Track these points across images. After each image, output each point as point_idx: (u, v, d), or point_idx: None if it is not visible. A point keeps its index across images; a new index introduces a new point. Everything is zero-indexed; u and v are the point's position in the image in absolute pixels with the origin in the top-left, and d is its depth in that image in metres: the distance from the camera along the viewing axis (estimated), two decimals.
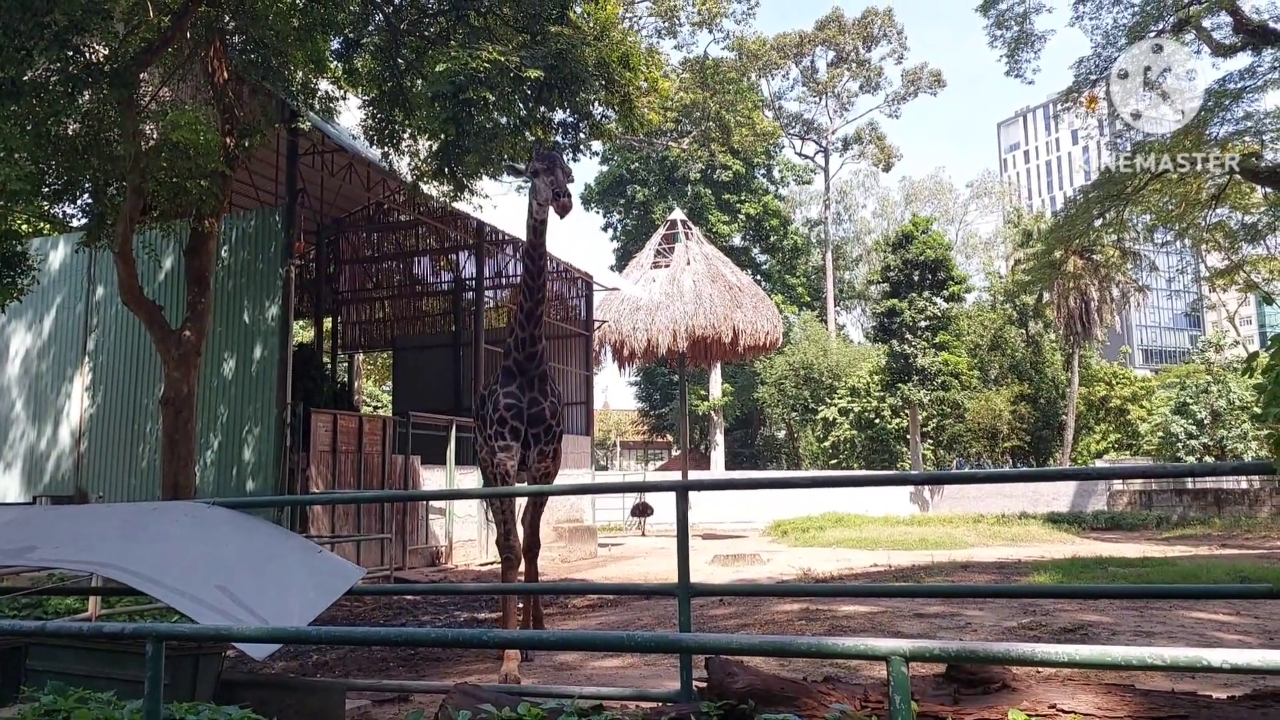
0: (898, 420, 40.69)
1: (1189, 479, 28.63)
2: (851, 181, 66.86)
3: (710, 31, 26.84)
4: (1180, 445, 35.66)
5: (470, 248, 22.29)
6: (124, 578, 4.25)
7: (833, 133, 55.98)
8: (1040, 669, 5.36)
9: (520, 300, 7.44)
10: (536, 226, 7.33)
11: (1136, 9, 23.66)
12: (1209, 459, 34.61)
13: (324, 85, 12.06)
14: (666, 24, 24.86)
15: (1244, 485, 27.24)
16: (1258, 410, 3.85)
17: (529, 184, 7.27)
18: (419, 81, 10.83)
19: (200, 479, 13.75)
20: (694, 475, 31.07)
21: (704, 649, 3.16)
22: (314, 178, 18.27)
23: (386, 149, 12.06)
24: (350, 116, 13.75)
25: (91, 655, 4.58)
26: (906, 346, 36.68)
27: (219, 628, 3.74)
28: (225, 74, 10.98)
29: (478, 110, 8.97)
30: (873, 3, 65.20)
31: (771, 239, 50.23)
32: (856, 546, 20.19)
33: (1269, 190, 21.26)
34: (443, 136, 9.95)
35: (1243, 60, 22.64)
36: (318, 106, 11.98)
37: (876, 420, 41.53)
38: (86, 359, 17.02)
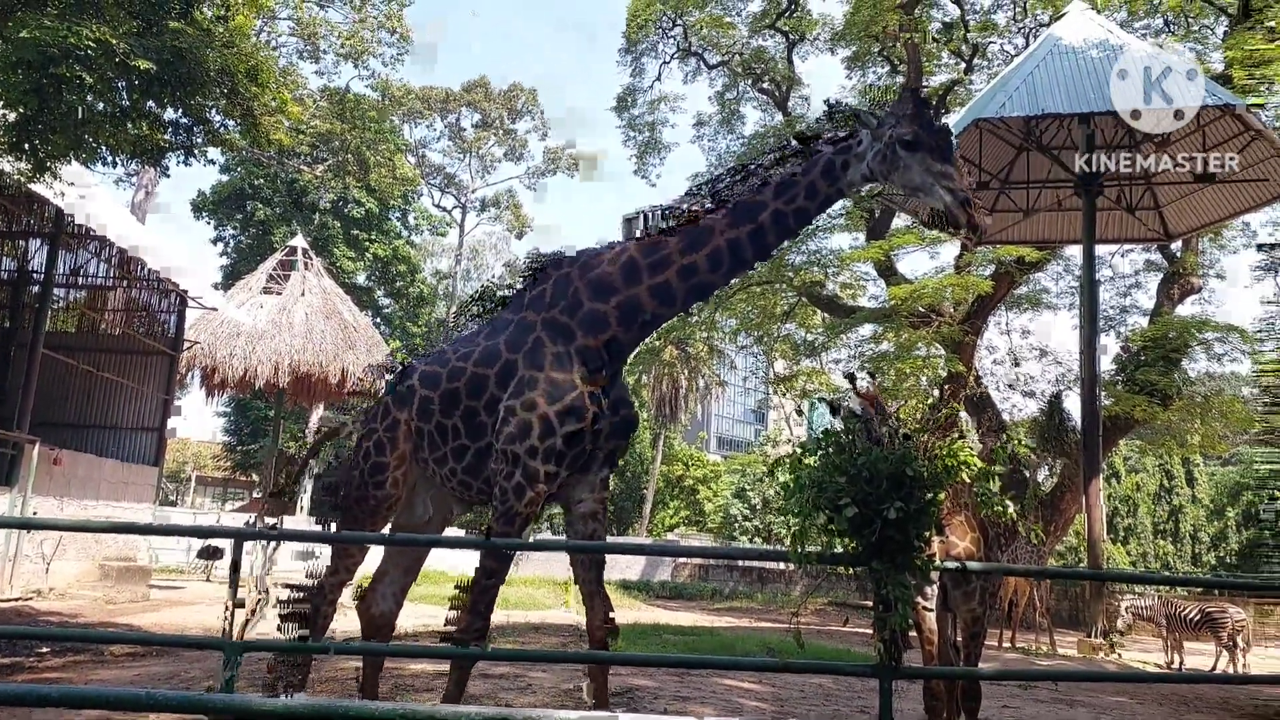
0: None
1: (740, 558, 32.27)
2: (485, 242, 67.95)
3: (355, 67, 26.19)
4: (737, 526, 40.23)
5: (44, 236, 19.39)
6: None
7: (472, 191, 56.84)
8: None
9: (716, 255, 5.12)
10: (830, 196, 5.04)
11: (745, 140, 27.13)
12: (759, 540, 39.38)
13: None
14: (309, 48, 23.84)
15: (782, 567, 31.17)
16: (780, 505, 4.52)
17: (859, 141, 4.85)
18: (2, 43, 9.35)
19: None
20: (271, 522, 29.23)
21: (232, 710, 2.96)
22: None
23: None
24: None
25: None
26: None
27: None
28: None
29: (70, 89, 7.92)
30: (518, 79, 68.03)
31: (398, 284, 49.32)
32: (440, 603, 19.98)
33: (825, 315, 25.11)
34: (22, 109, 8.66)
35: None
36: None
37: None
38: None
